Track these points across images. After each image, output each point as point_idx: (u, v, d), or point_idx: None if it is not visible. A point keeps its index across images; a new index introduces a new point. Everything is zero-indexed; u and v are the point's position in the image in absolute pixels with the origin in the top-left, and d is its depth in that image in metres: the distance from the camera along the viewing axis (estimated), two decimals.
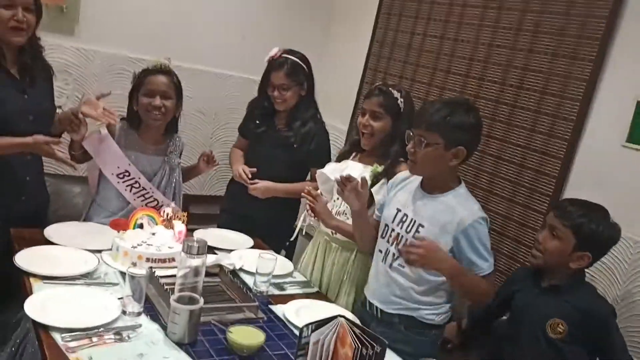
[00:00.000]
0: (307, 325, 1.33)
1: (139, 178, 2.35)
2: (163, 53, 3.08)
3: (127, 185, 2.35)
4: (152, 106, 2.32)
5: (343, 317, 1.36)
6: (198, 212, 3.06)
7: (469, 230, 1.83)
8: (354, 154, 2.37)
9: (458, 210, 1.85)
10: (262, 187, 2.59)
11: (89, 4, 2.92)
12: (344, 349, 1.30)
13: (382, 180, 2.19)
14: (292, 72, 2.56)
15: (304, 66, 2.61)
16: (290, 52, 2.61)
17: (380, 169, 2.20)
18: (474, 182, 2.57)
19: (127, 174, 2.35)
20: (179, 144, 2.51)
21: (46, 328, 1.53)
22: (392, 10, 3.15)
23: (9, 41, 2.07)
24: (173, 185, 2.48)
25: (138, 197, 2.37)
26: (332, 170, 2.25)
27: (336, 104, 3.23)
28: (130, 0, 3.03)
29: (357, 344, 1.25)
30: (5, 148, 2.10)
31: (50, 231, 2.12)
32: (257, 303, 1.86)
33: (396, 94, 2.22)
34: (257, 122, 2.70)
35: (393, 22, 3.13)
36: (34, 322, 1.56)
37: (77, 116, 2.19)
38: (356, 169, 2.23)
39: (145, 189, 2.37)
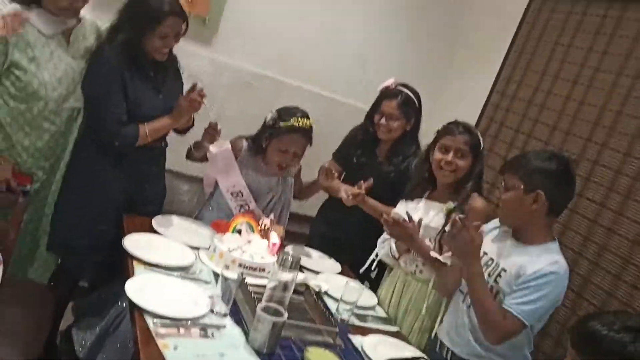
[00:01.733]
0: None
1: (250, 202, 2.47)
2: (288, 73, 3.27)
3: (237, 204, 2.48)
4: (283, 163, 2.45)
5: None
6: (289, 229, 3.12)
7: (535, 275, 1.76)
8: (427, 192, 2.34)
9: (540, 262, 1.78)
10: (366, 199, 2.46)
11: (230, 19, 3.11)
12: None
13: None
14: (404, 103, 2.58)
15: (416, 102, 2.62)
16: (405, 85, 2.64)
17: (452, 206, 2.18)
18: (580, 251, 2.44)
19: (240, 194, 2.48)
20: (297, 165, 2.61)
21: (141, 310, 1.63)
22: (518, 64, 3.09)
23: (154, 57, 2.26)
24: (282, 203, 2.58)
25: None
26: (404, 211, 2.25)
27: None
28: (266, 20, 3.20)
29: None
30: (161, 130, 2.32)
31: (157, 222, 2.26)
32: (337, 329, 1.87)
33: (478, 133, 2.27)
34: (359, 150, 2.71)
35: (517, 75, 3.08)
36: (131, 303, 1.66)
37: (215, 128, 2.40)
38: (432, 208, 2.24)
39: (254, 213, 2.46)
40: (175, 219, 2.38)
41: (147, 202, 2.47)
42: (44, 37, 2.13)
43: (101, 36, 2.32)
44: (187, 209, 2.84)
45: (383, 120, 2.60)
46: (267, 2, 3.15)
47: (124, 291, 1.69)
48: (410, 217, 2.14)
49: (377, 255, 2.38)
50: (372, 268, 2.42)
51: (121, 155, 2.31)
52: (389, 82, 2.66)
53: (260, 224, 2.29)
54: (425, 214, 2.24)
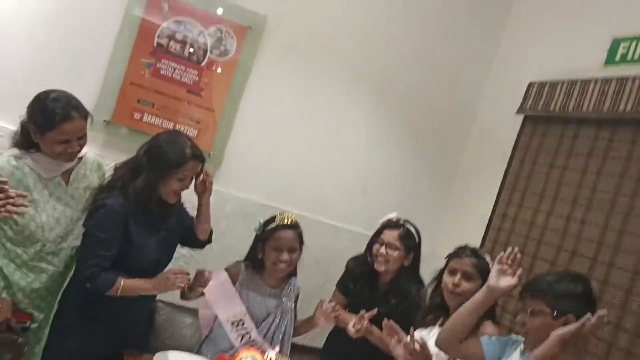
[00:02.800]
0: None
1: (252, 330, 2.42)
2: (291, 202, 3.33)
3: (238, 335, 2.42)
4: (280, 260, 2.45)
5: None
6: None
7: None
8: (440, 319, 2.29)
9: None
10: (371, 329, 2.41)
11: (233, 153, 3.21)
12: None
13: None
14: (405, 236, 2.61)
15: (416, 237, 2.66)
16: (407, 221, 2.69)
17: None
18: None
19: (241, 322, 2.43)
20: (295, 288, 2.58)
21: None
22: (517, 186, 3.15)
23: (170, 200, 2.32)
24: (283, 329, 2.50)
25: (247, 345, 2.40)
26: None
27: None
28: (268, 153, 3.31)
29: None
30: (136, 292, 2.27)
31: (159, 358, 2.19)
32: None
33: (487, 258, 2.28)
34: (359, 283, 2.69)
35: (517, 198, 3.13)
36: None
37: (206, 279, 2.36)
38: None
39: (256, 342, 2.40)
40: (176, 355, 2.30)
41: (141, 338, 2.42)
42: (43, 179, 2.18)
43: (104, 174, 2.39)
44: (190, 344, 2.75)
45: (382, 249, 2.60)
46: (269, 137, 3.28)
47: None
48: (424, 343, 2.06)
49: None
50: None
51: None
52: (392, 215, 2.71)
53: (265, 357, 2.22)
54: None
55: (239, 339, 2.41)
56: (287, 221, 2.49)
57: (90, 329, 2.25)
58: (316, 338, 3.39)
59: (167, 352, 2.29)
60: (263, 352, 2.27)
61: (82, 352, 2.24)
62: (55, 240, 2.21)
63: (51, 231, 2.19)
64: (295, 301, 2.62)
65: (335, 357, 2.71)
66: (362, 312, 2.41)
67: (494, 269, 1.96)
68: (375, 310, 2.40)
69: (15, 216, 2.08)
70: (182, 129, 2.99)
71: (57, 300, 2.33)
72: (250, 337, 2.40)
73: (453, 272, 2.25)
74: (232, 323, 2.42)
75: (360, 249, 2.87)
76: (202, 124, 3.00)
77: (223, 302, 2.44)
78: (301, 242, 2.53)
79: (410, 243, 2.62)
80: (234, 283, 2.49)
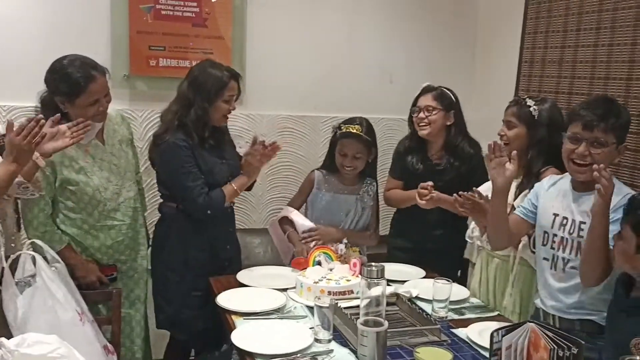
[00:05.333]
0: (497, 330, 1.34)
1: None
2: (321, 106, 3.38)
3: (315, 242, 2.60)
4: (344, 165, 2.67)
5: (533, 322, 1.36)
6: (367, 253, 3.17)
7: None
8: None
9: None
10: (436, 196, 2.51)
11: (253, 75, 3.23)
12: (539, 354, 1.28)
13: (524, 192, 2.20)
14: (439, 96, 2.64)
15: (451, 95, 2.66)
16: (440, 86, 2.70)
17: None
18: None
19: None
20: (372, 187, 2.76)
21: (252, 355, 1.71)
22: (538, 29, 3.10)
23: (216, 125, 2.47)
24: (362, 224, 2.75)
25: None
26: (487, 189, 2.26)
27: (491, 131, 3.21)
28: (285, 65, 3.32)
29: (553, 346, 1.24)
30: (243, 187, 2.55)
31: (241, 275, 2.38)
32: (439, 326, 1.90)
33: (530, 103, 2.27)
34: (411, 158, 2.74)
35: (540, 40, 3.08)
36: (241, 352, 1.75)
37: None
38: None
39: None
40: (257, 270, 2.48)
41: (231, 262, 2.60)
42: (82, 145, 2.29)
43: (129, 124, 2.57)
44: (264, 260, 2.95)
45: (421, 114, 2.63)
46: (284, 48, 3.28)
47: (231, 344, 1.78)
48: (479, 193, 2.14)
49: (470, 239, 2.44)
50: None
51: (201, 222, 2.45)
52: (424, 84, 2.72)
53: (337, 250, 2.38)
54: None
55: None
56: (352, 129, 2.63)
57: (186, 261, 2.46)
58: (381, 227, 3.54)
59: (246, 269, 2.47)
60: (336, 251, 2.43)
61: (183, 283, 2.46)
62: (112, 198, 2.36)
63: (106, 190, 2.34)
64: (376, 200, 2.80)
65: (403, 239, 2.82)
66: (422, 184, 2.50)
67: (491, 170, 1.98)
68: (430, 183, 2.50)
69: (71, 187, 2.26)
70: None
71: (146, 248, 2.55)
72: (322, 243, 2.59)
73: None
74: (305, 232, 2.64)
75: (398, 134, 2.93)
76: (216, 53, 3.01)
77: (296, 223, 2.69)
78: (369, 147, 2.67)
79: (446, 101, 2.64)
80: (310, 191, 2.78)
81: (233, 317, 2.01)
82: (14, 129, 1.81)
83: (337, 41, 3.40)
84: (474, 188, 2.16)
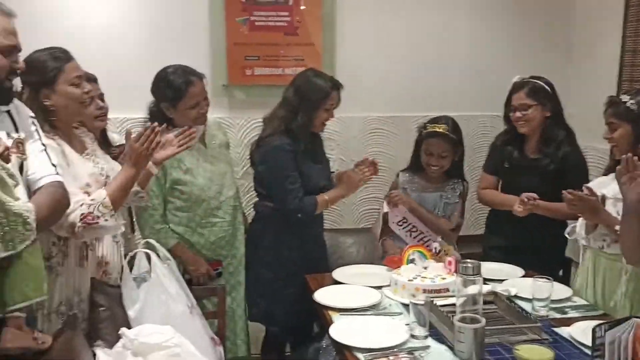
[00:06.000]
0: (599, 326, 1.31)
1: (416, 222, 2.70)
2: (411, 107, 3.39)
3: (406, 231, 2.69)
4: (429, 164, 2.74)
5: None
6: (461, 252, 3.14)
7: None
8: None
9: None
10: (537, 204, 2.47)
11: (342, 80, 3.24)
12: None
13: None
14: (532, 92, 2.57)
15: (546, 87, 2.59)
16: (533, 77, 2.63)
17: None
18: None
19: (404, 220, 2.71)
20: (459, 186, 2.78)
21: (350, 349, 1.77)
22: None
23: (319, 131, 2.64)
24: (450, 213, 2.79)
25: (419, 241, 2.66)
26: (599, 184, 2.17)
27: (593, 124, 3.08)
28: (373, 68, 3.36)
29: None
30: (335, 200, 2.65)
31: (337, 273, 2.44)
32: (539, 324, 1.86)
33: (625, 98, 2.14)
34: (507, 153, 2.70)
35: None
36: (339, 345, 1.81)
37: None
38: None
39: (423, 232, 2.68)
40: (351, 268, 2.53)
41: (319, 262, 2.69)
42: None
43: (224, 131, 2.74)
44: (358, 259, 3.00)
45: (517, 113, 2.59)
46: (374, 50, 3.33)
47: (329, 339, 1.85)
48: (590, 190, 2.08)
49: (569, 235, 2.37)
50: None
51: (293, 222, 2.55)
52: (515, 79, 2.67)
53: (432, 249, 2.39)
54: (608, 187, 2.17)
55: (408, 234, 2.68)
56: (437, 129, 2.67)
57: (279, 258, 2.59)
58: (473, 228, 3.50)
59: (341, 268, 2.53)
60: (429, 247, 2.44)
61: (276, 279, 2.58)
62: (215, 197, 2.53)
63: (209, 190, 2.51)
64: (463, 199, 2.82)
65: (499, 237, 2.77)
66: (527, 195, 2.46)
67: (621, 185, 1.90)
68: (534, 195, 2.45)
69: (179, 187, 2.44)
70: (290, 70, 3.15)
71: (244, 244, 2.68)
72: (417, 230, 2.67)
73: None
74: (397, 223, 2.69)
75: (494, 130, 2.89)
76: (307, 60, 3.13)
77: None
78: (455, 145, 2.70)
79: (541, 95, 2.57)
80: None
81: (330, 312, 2.07)
82: (132, 136, 1.99)
83: (427, 40, 3.41)
84: (585, 185, 2.10)
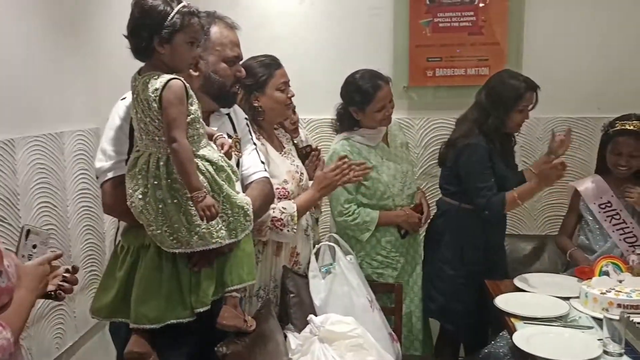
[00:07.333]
0: None
1: (620, 210, 2.52)
2: (603, 107, 3.14)
3: (607, 216, 2.53)
4: (618, 165, 2.53)
5: None
6: None
7: None
8: None
9: None
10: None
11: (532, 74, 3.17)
12: None
13: None
14: None
15: None
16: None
17: None
18: None
19: (609, 204, 2.55)
20: None
21: (535, 358, 1.71)
22: None
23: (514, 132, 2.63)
24: None
25: (617, 230, 2.50)
26: None
27: None
28: (563, 67, 3.12)
29: None
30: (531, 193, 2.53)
31: (519, 280, 2.37)
32: None
33: None
34: None
35: None
36: (524, 354, 1.77)
37: None
38: None
39: (625, 223, 2.50)
40: (534, 276, 2.44)
41: (498, 265, 2.64)
42: (372, 147, 2.57)
43: (403, 131, 2.78)
44: (539, 267, 2.86)
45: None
46: (561, 49, 3.14)
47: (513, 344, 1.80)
48: None
49: None
50: None
51: (478, 222, 2.54)
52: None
53: (628, 262, 2.22)
54: None
55: (608, 219, 2.53)
56: (631, 126, 2.49)
57: (461, 256, 2.58)
58: None
59: (524, 275, 2.44)
60: (626, 261, 2.26)
61: (456, 276, 2.59)
62: (398, 194, 2.60)
63: (393, 187, 2.58)
64: None
65: None
66: None
67: None
68: None
69: (366, 183, 2.53)
70: (472, 71, 3.10)
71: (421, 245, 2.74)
72: (620, 218, 2.50)
73: None
74: (600, 205, 2.55)
75: None
76: (492, 60, 3.05)
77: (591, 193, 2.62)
78: None
79: None
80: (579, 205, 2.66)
81: (513, 320, 2.02)
82: (329, 165, 2.25)
83: (624, 36, 3.12)
84: None
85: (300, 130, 2.72)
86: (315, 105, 3.08)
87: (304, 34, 3.25)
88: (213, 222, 1.53)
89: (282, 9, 3.25)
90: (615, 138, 2.53)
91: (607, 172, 2.60)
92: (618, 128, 2.52)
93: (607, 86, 3.15)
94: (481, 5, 3.06)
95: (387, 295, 2.55)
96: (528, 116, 2.55)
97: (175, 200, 1.52)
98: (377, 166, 2.55)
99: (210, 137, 1.65)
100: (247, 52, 2.14)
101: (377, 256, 2.59)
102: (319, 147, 2.55)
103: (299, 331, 1.98)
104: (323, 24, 3.25)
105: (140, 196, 1.53)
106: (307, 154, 2.45)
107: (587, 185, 2.63)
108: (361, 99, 2.50)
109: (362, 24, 3.20)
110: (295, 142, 2.57)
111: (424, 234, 2.78)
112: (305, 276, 2.18)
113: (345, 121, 2.59)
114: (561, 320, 2.00)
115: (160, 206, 1.52)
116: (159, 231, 1.54)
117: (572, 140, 3.16)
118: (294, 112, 2.57)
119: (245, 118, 1.95)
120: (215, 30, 1.76)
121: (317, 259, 2.24)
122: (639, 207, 2.49)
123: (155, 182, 1.52)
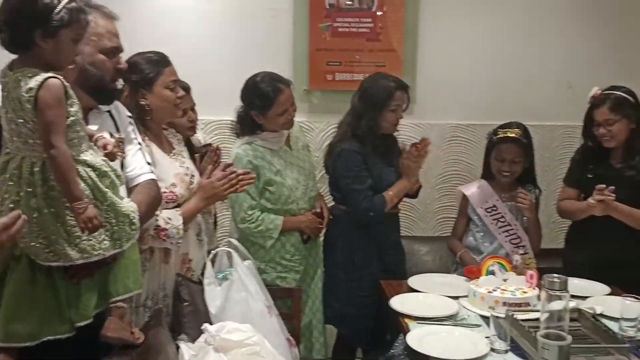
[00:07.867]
0: None
1: (505, 213, 2.64)
2: (491, 115, 3.31)
3: (493, 219, 2.64)
4: (501, 171, 2.65)
5: None
6: (539, 266, 3.03)
7: None
8: None
9: None
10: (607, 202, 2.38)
11: (422, 85, 3.29)
12: None
13: None
14: (615, 106, 2.44)
15: (631, 98, 2.47)
16: (613, 87, 2.50)
17: None
18: None
19: (494, 208, 2.66)
20: (532, 194, 2.67)
21: (428, 358, 1.76)
22: None
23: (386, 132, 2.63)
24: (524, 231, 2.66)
25: (503, 232, 2.63)
26: None
27: None
28: (455, 75, 3.30)
29: None
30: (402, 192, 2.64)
31: (413, 281, 2.43)
32: (627, 345, 1.78)
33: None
34: (591, 166, 2.59)
35: None
36: (417, 354, 1.80)
37: None
38: None
39: (510, 225, 2.63)
40: (428, 276, 2.51)
41: (397, 267, 2.69)
42: (275, 151, 2.53)
43: (304, 133, 2.78)
44: (433, 268, 2.96)
45: (601, 129, 2.48)
46: (456, 58, 3.29)
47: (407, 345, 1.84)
48: None
49: None
50: None
51: (368, 226, 2.58)
52: (594, 91, 2.55)
53: (512, 261, 2.33)
54: None
55: (495, 223, 2.64)
56: (510, 133, 2.61)
57: (354, 261, 2.61)
58: (553, 241, 3.37)
59: (417, 275, 2.51)
60: (510, 261, 2.38)
61: (350, 281, 2.61)
62: (301, 197, 2.59)
63: (297, 190, 2.56)
64: (536, 206, 2.71)
65: (581, 252, 2.62)
66: (598, 186, 2.36)
67: None
68: (612, 188, 2.34)
69: (270, 187, 2.50)
70: None
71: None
72: (505, 220, 2.63)
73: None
74: (486, 209, 2.66)
75: (573, 141, 2.78)
76: (389, 66, 3.12)
77: (477, 198, 2.72)
78: (527, 151, 2.63)
79: (625, 108, 2.44)
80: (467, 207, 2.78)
81: (406, 320, 2.06)
82: (215, 173, 2.15)
83: (512, 47, 3.33)
84: None
85: (198, 131, 2.63)
86: (214, 106, 2.99)
87: (202, 32, 3.17)
88: (95, 233, 1.43)
89: (178, 4, 3.15)
90: (498, 145, 2.64)
91: (493, 177, 2.72)
92: (501, 135, 2.63)
93: (495, 94, 3.34)
94: (379, 13, 3.14)
95: (288, 300, 2.53)
96: (402, 116, 2.61)
97: (52, 209, 1.40)
98: (280, 170, 2.52)
99: (90, 137, 1.53)
100: (142, 49, 2.04)
101: (282, 260, 2.56)
102: (220, 147, 2.48)
103: (193, 341, 1.90)
104: (222, 22, 3.18)
105: (11, 205, 1.39)
106: (203, 155, 2.37)
107: (473, 190, 2.74)
108: (262, 103, 2.45)
109: (263, 24, 3.17)
110: (192, 142, 2.49)
111: (322, 238, 2.79)
112: (200, 283, 2.10)
113: (246, 125, 2.53)
114: (451, 319, 2.06)
115: (35, 215, 1.39)
116: (33, 243, 1.40)
117: (462, 145, 3.35)
118: (193, 111, 2.49)
119: (129, 116, 1.83)
120: (90, 19, 1.63)
121: (213, 265, 2.16)
122: (528, 213, 2.63)
123: (29, 190, 1.39)
